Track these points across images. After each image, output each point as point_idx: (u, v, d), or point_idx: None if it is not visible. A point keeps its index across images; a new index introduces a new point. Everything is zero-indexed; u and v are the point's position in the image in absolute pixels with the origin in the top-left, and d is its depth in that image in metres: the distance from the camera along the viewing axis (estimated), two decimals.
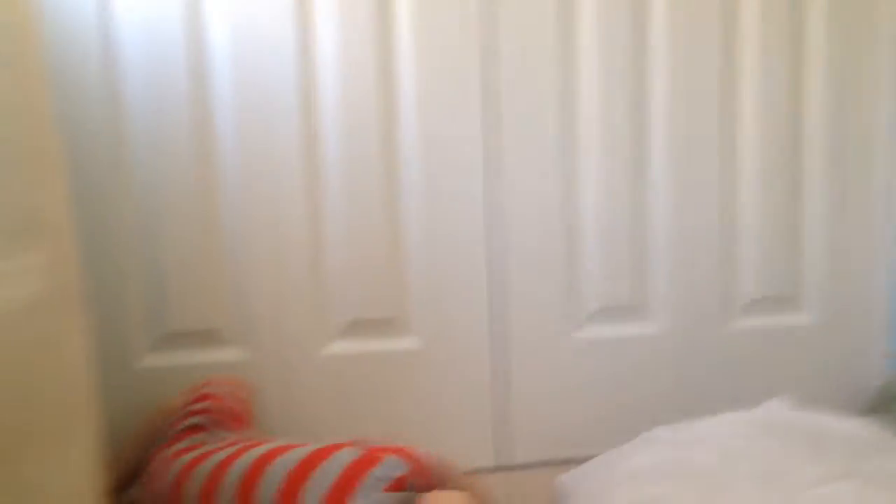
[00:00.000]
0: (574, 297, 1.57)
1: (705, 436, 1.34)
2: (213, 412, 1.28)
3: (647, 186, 1.57)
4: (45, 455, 0.67)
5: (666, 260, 1.59)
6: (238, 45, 1.41)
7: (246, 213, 1.44)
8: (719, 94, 1.56)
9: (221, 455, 1.14)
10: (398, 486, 1.07)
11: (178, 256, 1.43)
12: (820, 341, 1.66)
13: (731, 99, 1.57)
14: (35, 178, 0.72)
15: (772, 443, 1.28)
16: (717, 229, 1.60)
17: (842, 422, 1.37)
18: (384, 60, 1.45)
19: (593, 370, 1.59)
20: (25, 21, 0.71)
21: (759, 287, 1.63)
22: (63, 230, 0.81)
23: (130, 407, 1.42)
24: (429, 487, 1.10)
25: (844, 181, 1.62)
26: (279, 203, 1.45)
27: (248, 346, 1.46)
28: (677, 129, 1.55)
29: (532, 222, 1.53)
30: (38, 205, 0.71)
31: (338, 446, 1.11)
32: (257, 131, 1.43)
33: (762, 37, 1.56)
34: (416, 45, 1.46)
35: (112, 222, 1.40)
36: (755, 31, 1.56)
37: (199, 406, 1.28)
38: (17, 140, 0.69)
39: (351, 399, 1.47)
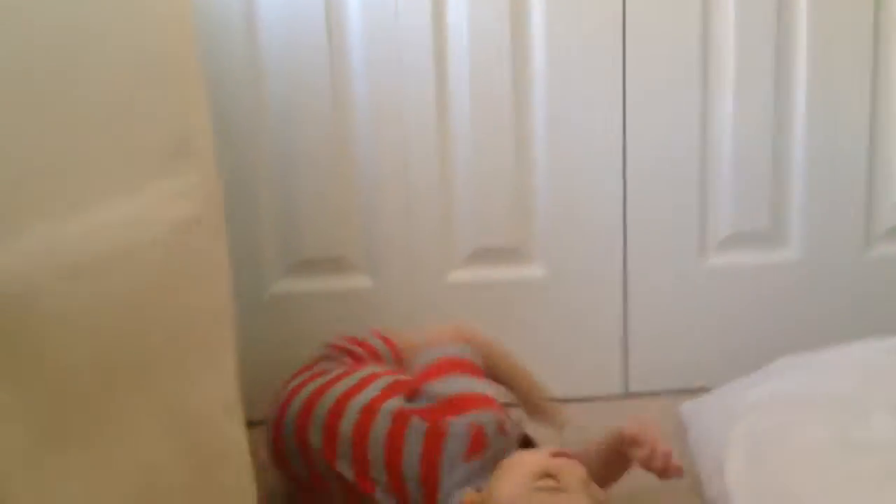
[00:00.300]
0: (706, 223, 1.53)
1: (839, 364, 1.30)
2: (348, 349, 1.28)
3: (787, 109, 1.50)
4: (191, 374, 0.69)
5: (804, 185, 1.53)
6: None
7: (376, 143, 1.45)
8: (864, 11, 1.47)
9: (340, 387, 1.15)
10: (475, 449, 1.05)
11: (310, 185, 1.45)
12: None
13: (876, 19, 1.48)
14: (183, 102, 0.73)
15: None
16: (860, 155, 1.53)
17: None
18: None
19: (725, 298, 1.55)
20: None
21: None
22: (208, 156, 0.82)
23: (261, 332, 1.46)
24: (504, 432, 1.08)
25: None
26: (408, 132, 1.44)
27: (375, 274, 1.48)
28: (821, 50, 1.48)
29: (666, 149, 1.49)
30: (187, 129, 0.72)
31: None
32: (389, 61, 1.42)
33: None
34: None
35: (247, 152, 1.42)
36: None
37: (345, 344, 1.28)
38: (166, 64, 0.70)
39: (476, 324, 1.47)
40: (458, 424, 1.05)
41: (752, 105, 1.49)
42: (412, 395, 1.11)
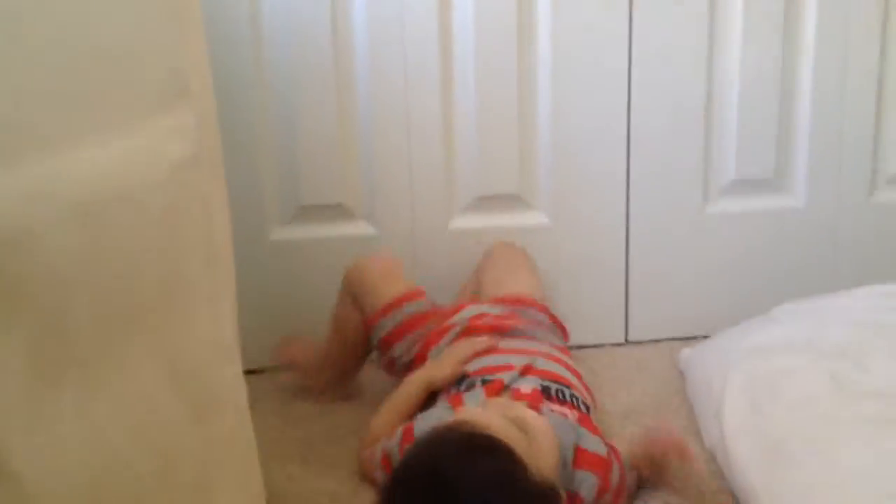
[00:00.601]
0: (710, 170, 1.51)
1: (840, 310, 1.30)
2: None
3: (794, 55, 1.48)
4: (187, 315, 0.69)
5: (809, 132, 1.51)
6: None
7: (377, 90, 1.43)
8: None
9: None
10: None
11: (311, 132, 1.43)
12: None
13: None
14: (180, 40, 0.72)
15: None
16: (867, 101, 1.51)
17: None
18: None
19: (728, 245, 1.54)
20: None
21: None
22: (205, 94, 0.81)
23: (262, 279, 1.46)
24: None
25: None
26: (410, 77, 1.43)
27: (377, 221, 1.48)
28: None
29: (671, 95, 1.47)
30: (184, 68, 0.71)
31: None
32: (390, 6, 1.40)
33: None
34: None
35: (247, 96, 1.40)
36: None
37: None
38: (163, 1, 0.69)
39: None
40: None
41: (758, 51, 1.47)
42: None
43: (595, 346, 1.54)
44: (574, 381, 1.16)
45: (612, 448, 1.05)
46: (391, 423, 1.15)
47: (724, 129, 1.50)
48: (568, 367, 1.19)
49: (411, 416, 1.15)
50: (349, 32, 1.41)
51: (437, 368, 1.18)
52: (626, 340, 1.57)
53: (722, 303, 1.54)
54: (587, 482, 1.00)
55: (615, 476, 1.03)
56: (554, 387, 1.11)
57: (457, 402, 1.08)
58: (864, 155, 1.53)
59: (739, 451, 1.07)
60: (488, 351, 1.19)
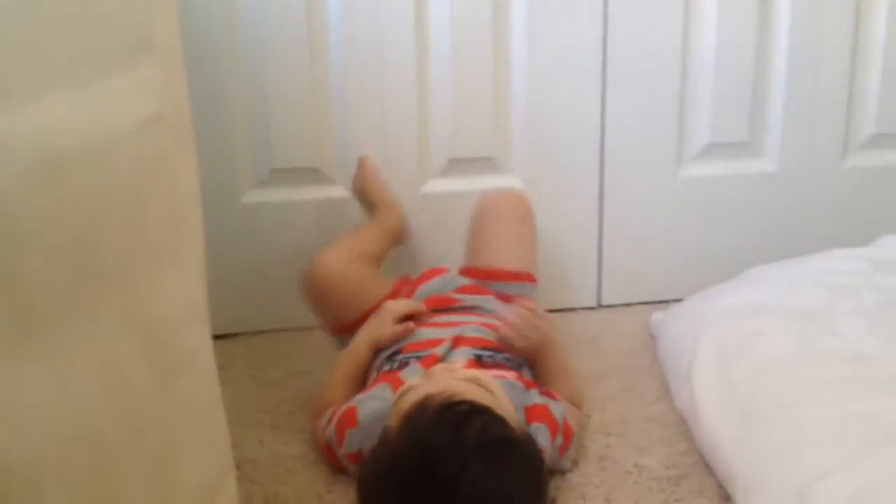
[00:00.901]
0: (684, 134, 1.51)
1: (810, 273, 1.31)
2: None
3: (769, 18, 1.48)
4: (153, 276, 0.68)
5: (783, 96, 1.51)
6: None
7: (351, 51, 1.41)
8: None
9: None
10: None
11: (284, 94, 1.41)
12: None
13: None
14: None
15: (880, 280, 1.23)
16: (841, 66, 1.51)
17: None
18: None
19: (701, 209, 1.55)
20: None
21: (880, 123, 1.54)
22: (173, 51, 0.79)
23: (234, 241, 1.45)
24: None
25: None
26: (384, 39, 1.41)
27: (349, 184, 1.46)
28: None
29: (646, 59, 1.46)
30: (147, 22, 0.70)
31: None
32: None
33: None
34: None
35: (219, 58, 1.38)
36: None
37: None
38: None
39: (452, 235, 1.47)
40: None
41: (733, 16, 1.46)
42: None
43: (568, 310, 1.54)
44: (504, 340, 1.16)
45: (547, 394, 1.10)
46: (342, 387, 1.15)
47: (699, 94, 1.50)
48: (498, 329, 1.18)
49: (360, 378, 1.16)
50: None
51: (379, 327, 1.18)
52: (599, 304, 1.58)
53: (695, 266, 1.55)
54: (541, 432, 1.03)
55: (558, 416, 1.06)
56: (485, 354, 1.12)
57: (395, 382, 1.06)
58: (837, 120, 1.53)
59: (708, 412, 1.08)
60: (417, 324, 1.18)
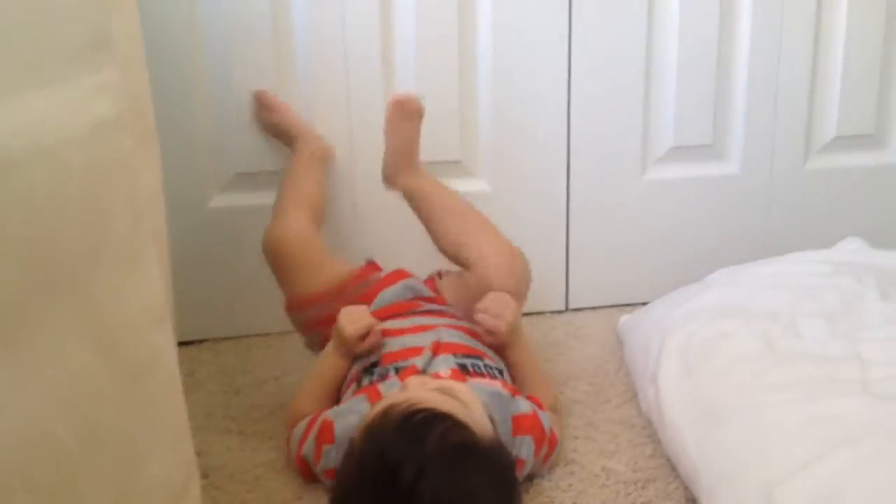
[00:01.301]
0: (648, 137, 1.52)
1: (774, 275, 1.32)
2: None
3: (731, 21, 1.49)
4: (113, 280, 0.67)
5: (745, 98, 1.53)
6: None
7: (317, 57, 1.41)
8: None
9: None
10: None
11: (249, 98, 1.41)
12: None
13: None
14: None
15: (842, 282, 1.25)
16: (802, 68, 1.53)
17: None
18: None
19: (666, 212, 1.56)
20: None
21: (840, 126, 1.57)
22: (133, 52, 0.79)
23: (201, 245, 1.44)
24: None
25: None
26: (350, 44, 1.41)
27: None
28: None
29: (610, 63, 1.48)
30: (106, 24, 0.69)
31: None
32: None
33: None
34: None
35: (183, 62, 1.37)
36: None
37: None
38: None
39: (422, 241, 1.46)
40: None
41: (695, 19, 1.48)
42: None
43: (536, 314, 1.55)
44: (482, 348, 1.15)
45: (532, 400, 1.09)
46: (317, 399, 1.13)
47: (663, 97, 1.51)
48: (474, 335, 1.17)
49: (335, 389, 1.14)
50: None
51: (338, 331, 1.13)
52: (567, 308, 1.58)
53: (661, 269, 1.56)
54: (525, 444, 1.03)
55: (546, 426, 1.06)
56: (469, 362, 1.10)
57: (374, 395, 1.04)
58: (799, 122, 1.56)
59: (673, 414, 1.09)
60: (393, 332, 1.16)
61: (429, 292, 1.27)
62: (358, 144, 1.45)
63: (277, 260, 1.25)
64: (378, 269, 1.31)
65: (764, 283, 1.29)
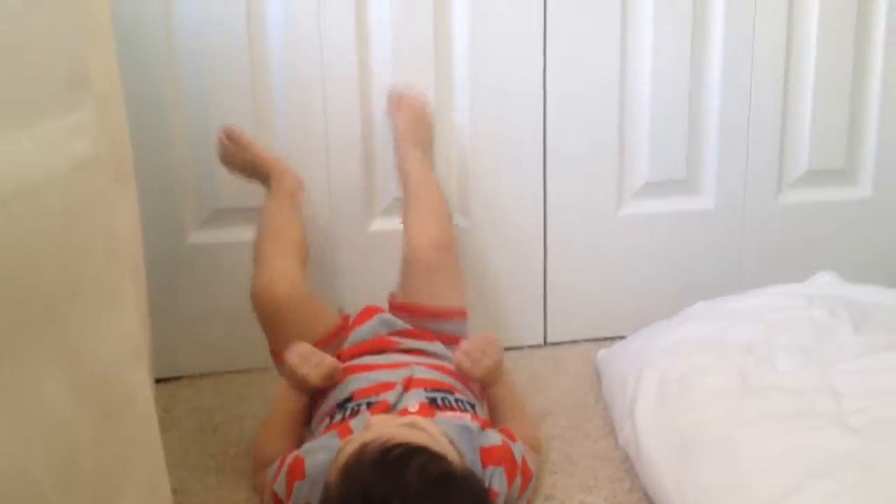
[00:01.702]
0: (624, 172, 1.54)
1: (748, 309, 1.34)
2: None
3: (704, 57, 1.52)
4: (90, 318, 0.67)
5: (718, 134, 1.55)
6: None
7: (294, 90, 1.42)
8: None
9: None
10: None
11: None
12: (872, 216, 1.63)
13: None
14: (79, 38, 0.70)
15: (815, 315, 1.26)
16: (773, 104, 1.55)
17: (886, 296, 1.35)
18: None
19: (641, 247, 1.57)
20: None
21: (814, 160, 1.59)
22: (111, 91, 0.80)
23: (179, 282, 1.44)
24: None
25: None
26: (328, 80, 1.42)
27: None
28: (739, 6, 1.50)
29: (586, 100, 1.49)
30: (84, 59, 0.69)
31: None
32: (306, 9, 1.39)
33: None
34: None
35: (160, 98, 1.38)
36: None
37: None
38: None
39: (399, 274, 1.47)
40: None
41: (668, 55, 1.50)
42: None
43: (514, 349, 1.55)
44: (456, 384, 1.16)
45: (505, 432, 1.09)
46: (278, 435, 1.14)
47: (637, 133, 1.53)
48: (449, 373, 1.17)
49: (298, 427, 1.15)
50: (264, 35, 1.40)
51: (291, 372, 1.15)
52: (545, 342, 1.59)
53: (638, 304, 1.57)
54: (496, 475, 1.02)
55: (518, 456, 1.06)
56: (439, 396, 1.10)
57: (345, 431, 1.04)
58: (771, 157, 1.58)
59: (650, 448, 1.09)
60: (366, 368, 1.17)
61: (403, 325, 1.28)
62: (335, 180, 1.46)
63: (267, 316, 1.24)
64: (355, 322, 1.30)
65: (738, 317, 1.30)
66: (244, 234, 1.45)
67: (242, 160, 1.38)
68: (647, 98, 1.51)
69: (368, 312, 1.29)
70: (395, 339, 1.25)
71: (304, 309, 1.25)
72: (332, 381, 1.14)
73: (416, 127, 1.41)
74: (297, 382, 1.14)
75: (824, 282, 1.41)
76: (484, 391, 1.19)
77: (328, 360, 1.15)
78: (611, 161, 1.53)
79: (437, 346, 1.25)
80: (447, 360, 1.21)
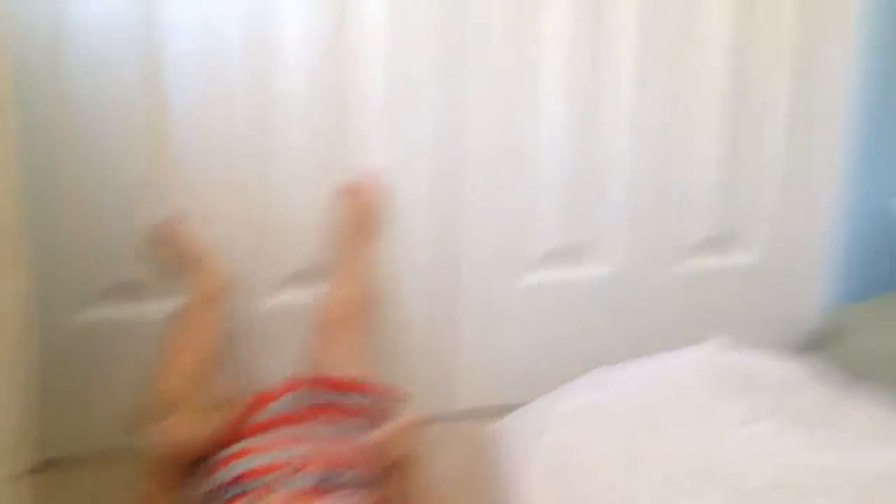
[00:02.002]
0: (529, 240, 1.57)
1: (644, 376, 1.35)
2: None
3: (601, 130, 1.56)
4: None
5: (615, 202, 1.59)
6: None
7: (194, 166, 1.39)
8: (674, 33, 1.56)
9: None
10: None
11: (119, 208, 1.37)
12: (763, 281, 1.68)
13: (688, 42, 1.57)
14: None
15: (702, 383, 1.29)
16: (671, 173, 1.61)
17: (774, 362, 1.38)
18: None
19: (543, 315, 1.59)
20: None
21: (708, 227, 1.65)
22: (6, 176, 0.76)
23: (66, 361, 1.38)
24: None
25: (793, 122, 1.65)
26: (230, 149, 1.40)
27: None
28: (635, 75, 1.55)
29: (496, 170, 1.52)
30: None
31: None
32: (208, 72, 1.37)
33: None
34: None
35: (54, 174, 1.33)
36: None
37: None
38: None
39: (305, 342, 1.44)
40: None
41: (571, 128, 1.54)
42: None
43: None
44: (357, 459, 1.14)
45: None
46: None
47: (533, 204, 1.55)
48: (353, 447, 1.15)
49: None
50: (166, 111, 1.36)
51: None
52: (452, 408, 1.58)
53: (543, 369, 1.57)
54: None
55: None
56: (331, 476, 1.08)
57: None
58: (669, 226, 1.62)
59: None
60: (257, 450, 1.14)
61: (322, 397, 1.26)
62: (233, 252, 1.43)
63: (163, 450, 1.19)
64: (265, 398, 1.28)
65: (635, 383, 1.32)
66: (139, 309, 1.40)
67: (183, 248, 1.37)
68: (550, 169, 1.54)
69: (287, 387, 1.27)
70: (308, 412, 1.23)
71: (199, 441, 1.18)
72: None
73: (361, 220, 1.44)
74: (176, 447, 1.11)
75: (717, 346, 1.45)
76: (392, 469, 1.16)
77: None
78: (517, 230, 1.56)
79: (348, 422, 1.23)
80: (358, 429, 1.19)
